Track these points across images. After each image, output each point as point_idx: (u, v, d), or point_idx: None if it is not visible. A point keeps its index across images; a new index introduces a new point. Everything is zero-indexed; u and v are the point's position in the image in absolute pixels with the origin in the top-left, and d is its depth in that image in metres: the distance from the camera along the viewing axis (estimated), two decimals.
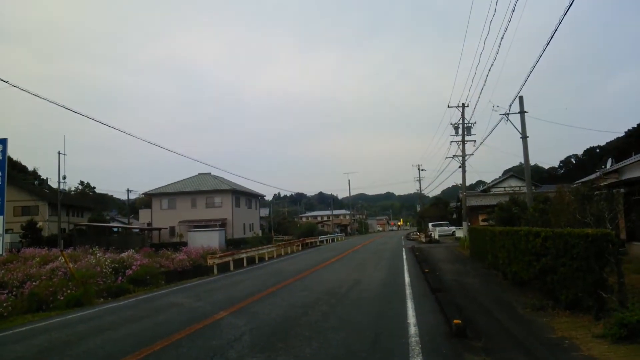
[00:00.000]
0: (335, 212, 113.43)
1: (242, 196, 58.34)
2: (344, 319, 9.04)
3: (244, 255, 26.55)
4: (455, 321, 7.43)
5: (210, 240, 36.38)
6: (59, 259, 18.68)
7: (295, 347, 6.86)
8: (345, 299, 11.60)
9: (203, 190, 55.04)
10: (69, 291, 14.19)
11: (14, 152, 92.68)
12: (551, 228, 10.08)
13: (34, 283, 15.13)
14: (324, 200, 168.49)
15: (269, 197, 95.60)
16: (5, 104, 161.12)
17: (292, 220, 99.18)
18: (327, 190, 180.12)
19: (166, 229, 53.30)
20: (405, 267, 19.43)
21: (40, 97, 14.56)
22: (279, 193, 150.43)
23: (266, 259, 29.79)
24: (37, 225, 45.80)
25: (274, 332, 8.02)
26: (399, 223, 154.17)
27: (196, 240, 36.74)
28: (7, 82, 12.17)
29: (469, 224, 33.14)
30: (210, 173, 57.91)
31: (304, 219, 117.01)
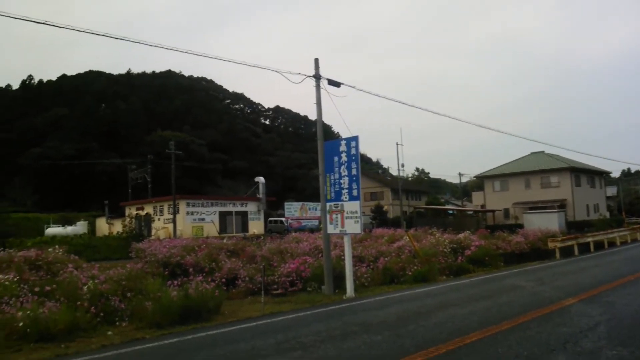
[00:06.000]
0: None
1: (583, 174, 52.75)
2: None
3: (589, 239, 24.16)
4: None
5: (547, 222, 34.23)
6: (404, 238, 20.70)
7: None
8: None
9: (537, 170, 52.19)
10: (415, 267, 15.62)
11: (361, 146, 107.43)
12: None
13: (385, 259, 17.19)
14: None
15: (616, 174, 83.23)
16: (351, 106, 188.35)
17: None
18: None
19: (500, 210, 52.88)
20: None
21: (380, 96, 16.55)
22: (628, 169, 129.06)
23: (617, 243, 26.39)
24: (383, 209, 52.40)
25: (636, 326, 7.01)
26: None
27: (532, 222, 35.26)
28: (353, 87, 14.23)
29: None
30: (543, 151, 54.46)
31: None
